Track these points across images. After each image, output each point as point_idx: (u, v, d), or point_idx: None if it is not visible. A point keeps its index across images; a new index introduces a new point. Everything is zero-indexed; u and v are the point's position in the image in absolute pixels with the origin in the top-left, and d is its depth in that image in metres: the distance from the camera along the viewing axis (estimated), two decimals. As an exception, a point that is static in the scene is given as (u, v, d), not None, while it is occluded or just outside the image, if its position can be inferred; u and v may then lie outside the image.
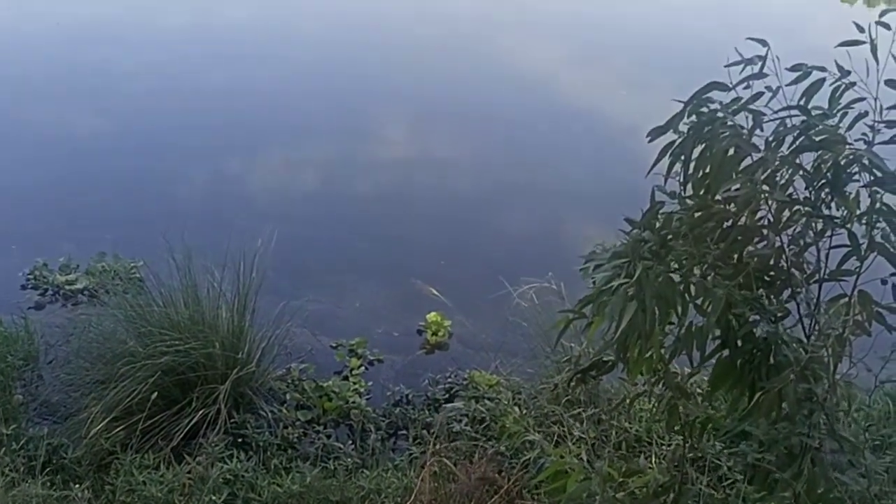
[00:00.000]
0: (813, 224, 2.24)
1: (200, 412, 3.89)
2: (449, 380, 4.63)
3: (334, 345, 5.02)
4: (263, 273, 4.52)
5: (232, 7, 12.93)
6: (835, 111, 2.28)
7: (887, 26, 2.20)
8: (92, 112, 8.36)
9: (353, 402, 4.38)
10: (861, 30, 2.25)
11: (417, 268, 5.78)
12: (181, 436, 3.82)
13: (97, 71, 9.48)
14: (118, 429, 3.78)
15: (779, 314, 2.20)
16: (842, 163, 2.22)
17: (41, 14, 11.66)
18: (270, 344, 4.49)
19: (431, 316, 5.21)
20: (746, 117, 2.24)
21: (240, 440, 3.91)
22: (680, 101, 2.26)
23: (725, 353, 2.30)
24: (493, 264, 5.69)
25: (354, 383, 4.60)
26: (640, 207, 2.62)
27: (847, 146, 2.21)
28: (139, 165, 7.28)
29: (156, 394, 3.85)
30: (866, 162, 2.19)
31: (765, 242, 2.19)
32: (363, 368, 4.82)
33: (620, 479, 2.68)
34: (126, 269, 5.34)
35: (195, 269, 4.42)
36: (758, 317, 2.18)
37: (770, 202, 2.22)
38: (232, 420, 3.94)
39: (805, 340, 2.22)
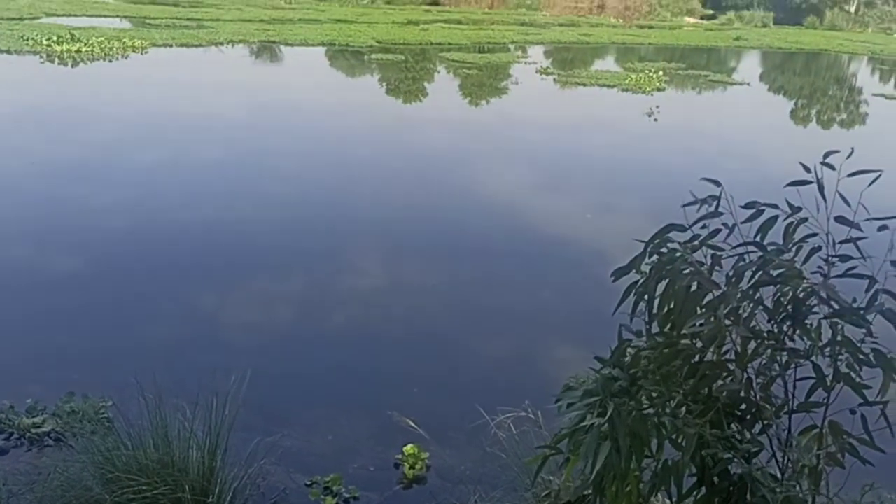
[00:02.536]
0: (778, 357, 2.29)
1: (167, 564, 3.73)
2: (428, 516, 4.50)
3: (308, 482, 4.87)
4: (237, 410, 4.44)
5: (205, 145, 13.25)
6: (790, 246, 2.37)
7: (832, 167, 2.33)
8: (61, 248, 8.36)
9: (329, 545, 4.23)
10: (807, 170, 2.38)
11: (392, 399, 5.71)
12: (146, 590, 3.64)
13: (67, 207, 9.57)
14: (80, 584, 3.60)
15: (753, 449, 2.21)
16: (800, 296, 2.29)
17: (16, 152, 11.87)
18: (243, 484, 4.35)
19: (408, 448, 5.12)
20: (705, 255, 2.32)
21: (209, 592, 3.73)
22: (641, 241, 2.34)
23: (703, 490, 2.29)
24: (469, 393, 5.65)
25: (330, 524, 4.46)
26: (609, 327, 2.67)
27: (804, 280, 2.29)
28: (109, 301, 7.24)
29: (122, 545, 3.69)
30: (824, 295, 2.26)
31: (731, 377, 2.23)
32: (338, 507, 4.68)
33: None
34: (95, 409, 5.22)
35: (166, 408, 4.34)
36: (731, 455, 2.18)
37: (735, 336, 2.27)
38: (201, 570, 3.77)
39: (780, 475, 2.22)
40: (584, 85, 22.26)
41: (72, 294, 7.34)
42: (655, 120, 17.48)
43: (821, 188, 2.31)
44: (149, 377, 4.41)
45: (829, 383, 2.28)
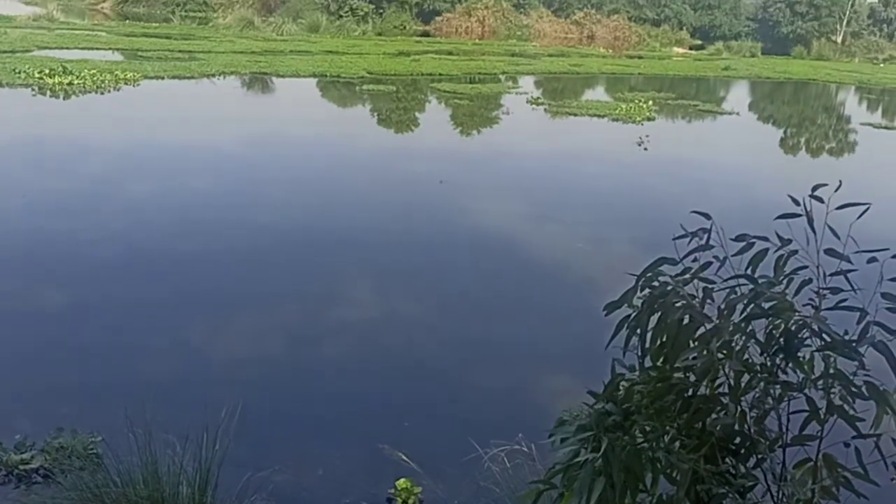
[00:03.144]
0: (771, 390, 2.29)
1: None
2: (421, 554, 4.45)
3: (300, 518, 4.83)
4: (227, 445, 4.41)
5: (195, 176, 13.27)
6: (780, 279, 2.38)
7: (821, 200, 2.35)
8: (51, 280, 8.30)
9: (321, 583, 4.17)
10: (796, 202, 2.39)
11: (384, 432, 5.67)
12: None
13: (56, 240, 9.53)
14: None
15: (748, 484, 2.20)
16: (792, 328, 2.30)
17: (5, 185, 11.85)
18: (233, 521, 4.32)
19: (401, 483, 5.07)
20: (696, 288, 2.33)
21: None
22: (632, 275, 2.35)
23: (698, 525, 2.28)
24: (462, 426, 5.63)
25: (321, 561, 4.40)
26: (602, 358, 2.66)
27: (796, 313, 2.30)
28: (99, 334, 7.20)
29: (109, 584, 3.64)
30: (816, 327, 2.26)
31: (725, 411, 2.22)
32: (330, 544, 4.62)
33: None
34: (84, 445, 5.16)
35: (156, 443, 4.31)
36: (725, 490, 2.17)
37: (728, 370, 2.27)
38: None
39: (775, 510, 2.21)
40: (575, 115, 22.43)
41: (62, 327, 7.29)
42: (645, 149, 17.60)
43: (810, 221, 2.33)
44: (139, 412, 4.39)
45: (822, 416, 2.28)
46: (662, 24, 60.82)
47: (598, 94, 29.14)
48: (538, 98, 25.20)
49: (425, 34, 50.98)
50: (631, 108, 23.02)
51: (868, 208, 2.32)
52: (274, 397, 6.28)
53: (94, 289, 8.23)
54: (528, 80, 31.35)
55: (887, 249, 2.32)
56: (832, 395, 2.28)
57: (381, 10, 52.15)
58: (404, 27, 51.09)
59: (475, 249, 10.21)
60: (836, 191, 2.36)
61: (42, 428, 5.41)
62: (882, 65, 53.51)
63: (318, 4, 50.91)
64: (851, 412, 2.28)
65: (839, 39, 61.51)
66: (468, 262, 9.72)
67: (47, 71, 21.24)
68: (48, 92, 19.70)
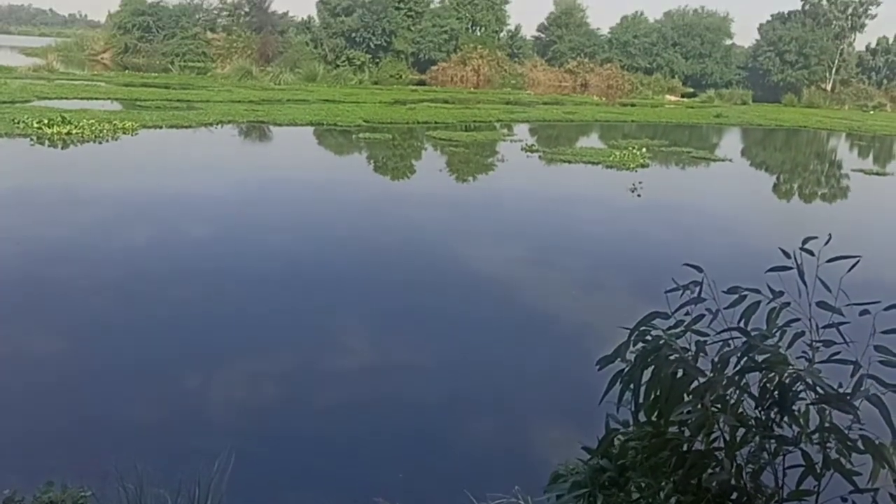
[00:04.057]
0: (767, 444, 2.27)
1: None
2: None
3: (293, 574, 4.73)
4: (220, 498, 4.35)
5: (190, 225, 13.29)
6: (773, 331, 2.38)
7: (811, 252, 2.36)
8: (42, 329, 8.26)
9: None
10: (787, 255, 2.40)
11: (379, 484, 5.59)
12: None
13: (49, 288, 9.49)
14: None
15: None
16: (786, 382, 2.29)
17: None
18: (225, 578, 4.23)
19: (396, 536, 4.98)
20: (689, 341, 2.32)
21: None
22: (625, 328, 2.34)
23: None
24: (457, 478, 5.55)
25: None
26: (597, 406, 2.64)
27: (789, 366, 2.29)
28: (91, 385, 7.13)
29: None
30: (810, 381, 2.25)
31: (720, 466, 2.20)
32: None
33: None
34: (74, 499, 5.07)
35: (147, 497, 4.25)
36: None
37: (722, 424, 2.26)
38: None
39: (774, 568, 2.18)
40: (569, 162, 22.62)
41: (52, 378, 7.22)
42: (639, 196, 17.71)
43: (801, 275, 2.33)
44: (130, 464, 4.34)
45: (819, 471, 2.26)
46: (655, 73, 61.80)
47: (592, 141, 29.46)
48: (533, 145, 25.44)
49: (421, 83, 51.69)
50: (624, 154, 23.24)
51: (858, 261, 2.34)
52: (267, 449, 6.20)
53: (84, 338, 8.17)
54: (522, 127, 31.71)
55: (878, 302, 2.32)
56: (828, 450, 2.26)
57: (378, 60, 53.00)
58: (400, 76, 51.84)
59: (468, 296, 10.19)
60: (825, 244, 2.37)
61: (31, 482, 5.32)
62: (872, 112, 54.29)
63: (315, 54, 51.75)
64: (848, 466, 2.26)
65: (829, 87, 62.49)
66: (461, 309, 9.69)
67: (46, 121, 21.43)
68: (46, 142, 19.84)
